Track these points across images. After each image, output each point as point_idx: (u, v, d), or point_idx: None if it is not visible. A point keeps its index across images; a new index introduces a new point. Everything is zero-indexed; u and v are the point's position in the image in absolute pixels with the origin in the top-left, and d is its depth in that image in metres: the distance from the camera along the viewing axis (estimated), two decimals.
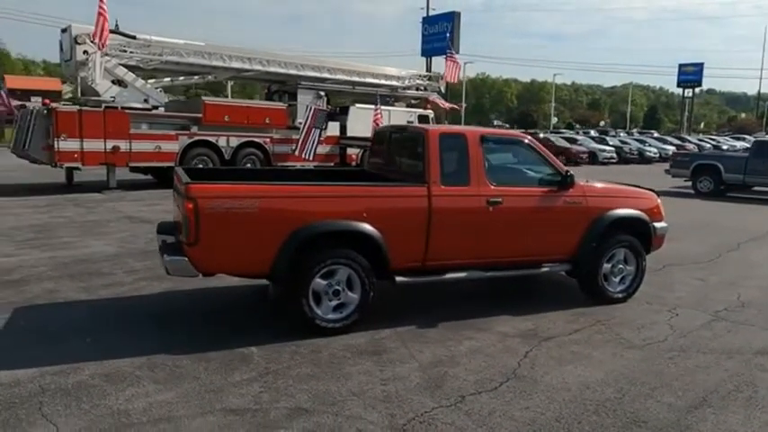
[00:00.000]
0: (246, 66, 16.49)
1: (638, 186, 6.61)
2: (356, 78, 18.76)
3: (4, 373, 4.04)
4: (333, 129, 18.14)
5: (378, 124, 17.45)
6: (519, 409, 3.74)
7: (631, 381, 4.21)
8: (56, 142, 13.02)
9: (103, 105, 13.77)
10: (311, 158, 16.45)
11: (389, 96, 20.58)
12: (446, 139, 5.39)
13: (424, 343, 4.83)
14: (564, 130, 52.84)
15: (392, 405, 3.75)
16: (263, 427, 3.44)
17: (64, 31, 14.22)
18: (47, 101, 13.89)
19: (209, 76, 16.67)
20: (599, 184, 6.17)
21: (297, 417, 3.57)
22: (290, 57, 17.59)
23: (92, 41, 13.56)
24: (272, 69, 16.96)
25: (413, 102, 21.49)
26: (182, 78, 16.46)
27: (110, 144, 13.73)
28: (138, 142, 14.22)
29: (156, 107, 15.07)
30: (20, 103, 16.97)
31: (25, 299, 5.75)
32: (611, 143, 34.90)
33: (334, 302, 4.93)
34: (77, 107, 13.51)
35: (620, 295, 6.08)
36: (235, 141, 15.73)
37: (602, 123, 64.43)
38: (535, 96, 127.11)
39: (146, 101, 14.88)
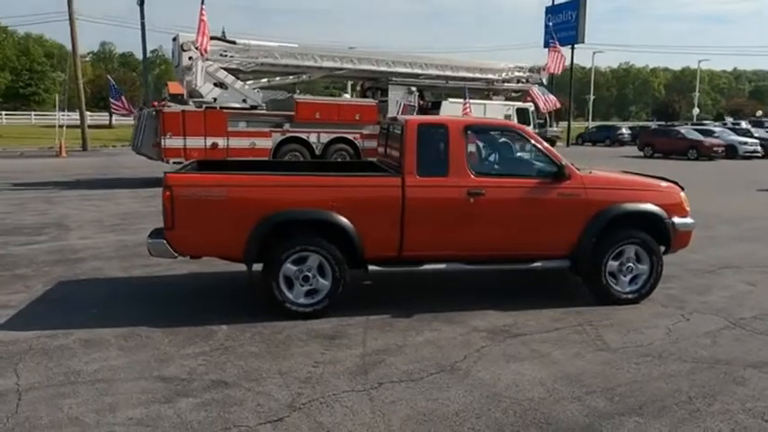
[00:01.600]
0: (338, 64, 17.13)
1: (664, 179, 6.05)
2: (449, 73, 18.67)
3: (10, 333, 4.77)
4: None
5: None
6: (426, 400, 3.71)
7: (571, 382, 3.97)
8: (163, 140, 14.53)
9: (204, 106, 15.09)
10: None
11: (487, 90, 20.24)
12: (426, 130, 5.37)
13: (386, 332, 4.89)
14: (709, 122, 48.11)
15: (307, 385, 3.89)
16: (177, 393, 3.76)
17: (174, 39, 15.77)
18: (154, 103, 15.52)
19: (304, 76, 17.54)
20: (606, 175, 5.76)
21: (213, 388, 3.85)
22: (381, 54, 17.97)
23: (195, 48, 14.91)
24: (363, 67, 17.44)
25: (513, 95, 20.92)
26: (278, 79, 17.50)
27: (209, 141, 15.02)
28: (235, 139, 15.38)
29: (253, 107, 16.20)
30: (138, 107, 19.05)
31: (73, 274, 6.63)
32: (756, 135, 31.23)
33: (306, 288, 5.14)
34: (181, 108, 14.93)
35: (630, 296, 5.63)
36: (325, 137, 16.42)
37: (758, 113, 57.52)
38: (687, 86, 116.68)
39: (244, 101, 16.05)
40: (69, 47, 30.28)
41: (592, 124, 55.48)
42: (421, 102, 18.67)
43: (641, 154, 30.99)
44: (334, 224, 5.04)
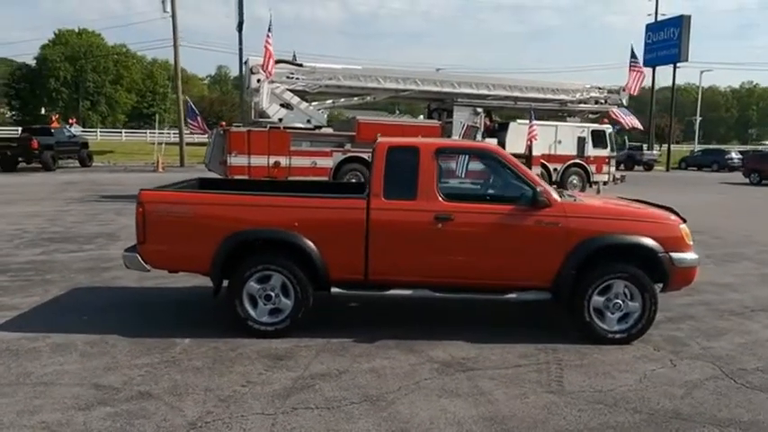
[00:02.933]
0: (401, 86, 17.27)
1: (667, 208, 5.53)
2: (517, 94, 18.23)
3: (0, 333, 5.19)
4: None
5: (532, 141, 16.78)
6: (327, 430, 3.60)
7: (492, 425, 3.69)
8: (228, 158, 15.29)
9: (268, 126, 15.74)
10: (463, 175, 16.49)
11: (560, 111, 19.53)
12: (396, 152, 5.27)
13: (338, 356, 4.81)
14: None
15: (222, 404, 3.91)
16: (99, 402, 3.92)
17: (245, 63, 16.63)
18: (222, 123, 16.38)
19: (368, 97, 17.82)
20: (591, 203, 5.36)
21: (135, 399, 3.97)
22: (445, 75, 17.93)
23: (262, 71, 15.64)
24: (426, 88, 17.46)
25: (590, 116, 20.01)
26: (342, 100, 17.91)
27: (272, 160, 15.61)
28: (297, 158, 15.87)
29: (317, 127, 16.68)
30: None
31: (91, 282, 7.11)
32: None
33: (269, 307, 5.18)
34: (246, 128, 15.67)
35: (618, 335, 5.16)
36: None
37: None
38: None
39: (308, 121, 16.56)
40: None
41: (697, 147, 51.69)
42: (488, 123, 18.36)
43: (746, 180, 28.43)
44: (294, 245, 5.06)
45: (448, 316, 5.95)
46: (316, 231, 5.09)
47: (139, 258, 5.22)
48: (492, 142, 17.87)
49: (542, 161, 18.07)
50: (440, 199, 5.12)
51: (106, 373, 4.38)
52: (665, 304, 6.37)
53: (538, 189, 5.03)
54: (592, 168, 18.76)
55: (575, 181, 18.72)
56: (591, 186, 18.48)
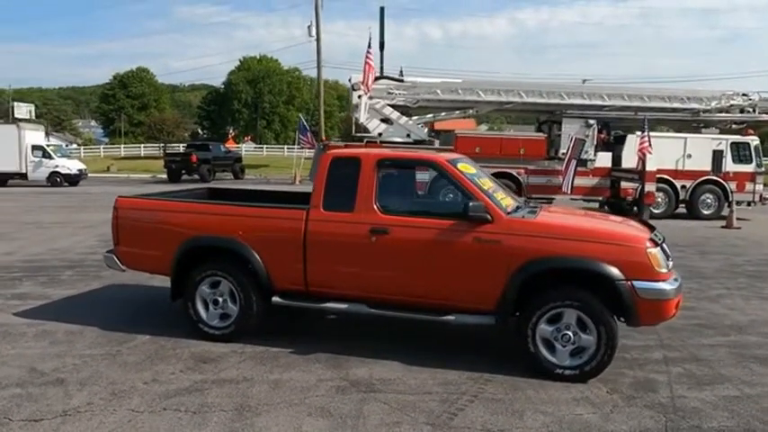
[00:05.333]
0: (502, 98, 16.67)
1: (650, 227, 4.74)
2: (637, 103, 16.63)
3: (12, 317, 6.01)
4: (604, 160, 16.58)
5: (644, 154, 15.21)
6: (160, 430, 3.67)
7: None
8: None
9: (365, 140, 16.15)
10: (569, 191, 15.53)
11: (694, 122, 17.43)
12: (339, 163, 5.18)
13: (259, 365, 4.83)
14: None
15: (108, 397, 4.16)
16: (18, 383, 4.38)
17: (349, 80, 17.28)
18: (324, 138, 17.10)
19: (471, 111, 17.46)
20: (544, 220, 4.77)
21: (47, 384, 4.37)
22: (553, 86, 16.91)
23: (362, 87, 16.14)
24: (531, 100, 16.66)
25: (733, 126, 17.57)
26: (443, 114, 17.73)
27: None
28: None
29: (417, 141, 16.74)
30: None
31: (125, 280, 7.76)
32: None
33: (219, 311, 5.38)
34: (344, 143, 16.23)
35: (567, 372, 4.52)
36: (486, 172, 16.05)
37: None
38: None
39: (408, 135, 16.70)
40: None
41: None
42: (602, 136, 16.99)
43: None
44: (236, 252, 5.20)
45: (408, 333, 5.64)
46: (258, 241, 5.18)
47: (115, 258, 5.74)
48: (606, 156, 16.57)
49: (667, 177, 16.23)
50: (377, 211, 4.92)
51: (50, 360, 4.86)
52: (679, 341, 5.50)
53: (472, 203, 4.61)
54: (731, 186, 16.43)
55: (708, 200, 16.55)
56: (728, 206, 16.18)
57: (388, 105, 16.74)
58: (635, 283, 4.38)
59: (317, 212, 5.07)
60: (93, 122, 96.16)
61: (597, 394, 4.33)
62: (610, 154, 16.62)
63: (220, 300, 5.34)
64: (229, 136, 61.64)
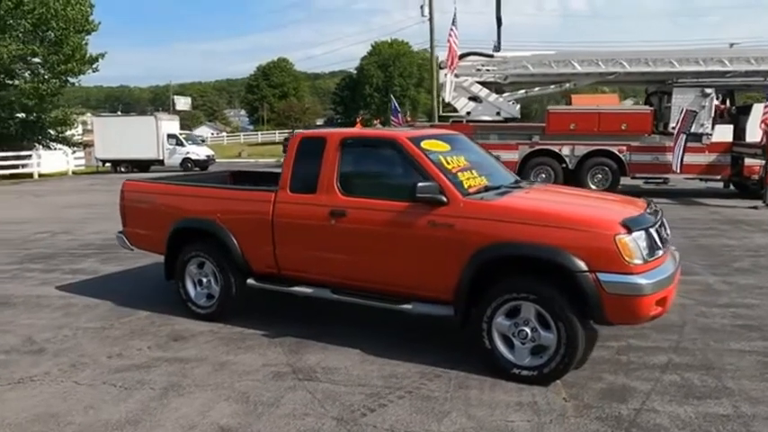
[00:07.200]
0: (602, 69, 15.18)
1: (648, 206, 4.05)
2: (766, 67, 14.34)
3: (48, 289, 6.65)
4: (724, 133, 14.58)
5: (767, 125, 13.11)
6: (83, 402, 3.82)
7: (214, 429, 3.40)
8: None
9: (451, 120, 15.67)
10: (678, 170, 13.96)
11: None
12: (306, 143, 5.02)
13: (221, 345, 4.86)
14: None
15: (67, 368, 4.43)
16: (7, 350, 4.82)
17: (436, 58, 16.81)
18: (410, 119, 16.80)
19: (567, 84, 16.14)
20: (505, 202, 4.24)
21: (29, 353, 4.76)
22: (661, 53, 15.08)
23: (447, 65, 15.64)
24: (635, 69, 15.02)
25: None
26: (536, 89, 16.59)
27: None
28: None
29: (508, 119, 15.93)
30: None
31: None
32: None
33: (205, 291, 5.51)
34: (430, 123, 15.87)
35: (525, 372, 4.02)
36: (581, 150, 14.91)
37: None
38: None
39: (498, 113, 15.94)
40: None
41: None
42: (722, 106, 14.93)
43: None
44: (212, 234, 5.28)
45: (391, 320, 5.36)
46: (234, 223, 5.21)
47: (124, 238, 6.10)
48: (727, 130, 14.63)
49: None
50: (338, 193, 4.71)
51: (48, 330, 5.29)
52: (702, 344, 4.74)
53: (420, 184, 4.21)
54: None
55: None
56: None
57: (477, 83, 16.05)
58: (600, 275, 3.75)
59: (283, 194, 4.98)
60: (242, 112, 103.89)
61: (550, 400, 3.80)
62: (731, 127, 14.56)
63: (204, 280, 5.46)
64: (357, 120, 63.49)
